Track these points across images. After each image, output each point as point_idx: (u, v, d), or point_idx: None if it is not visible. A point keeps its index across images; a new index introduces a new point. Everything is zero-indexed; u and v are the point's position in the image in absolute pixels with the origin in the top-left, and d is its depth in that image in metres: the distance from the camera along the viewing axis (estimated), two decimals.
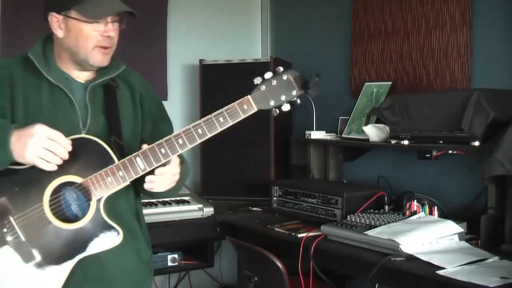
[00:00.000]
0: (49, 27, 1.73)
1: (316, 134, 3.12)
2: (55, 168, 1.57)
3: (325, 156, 3.18)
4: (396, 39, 2.93)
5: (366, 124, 2.73)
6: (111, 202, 1.68)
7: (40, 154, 1.54)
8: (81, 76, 1.76)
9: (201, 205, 2.99)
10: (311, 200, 2.76)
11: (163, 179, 1.69)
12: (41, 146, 1.53)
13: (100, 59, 1.71)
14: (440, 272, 1.91)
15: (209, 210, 3.00)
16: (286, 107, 1.67)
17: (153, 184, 1.68)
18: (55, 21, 1.70)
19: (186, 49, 3.66)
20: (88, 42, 1.68)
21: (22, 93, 1.68)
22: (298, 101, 1.68)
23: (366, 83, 3.01)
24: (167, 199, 2.97)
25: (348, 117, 2.98)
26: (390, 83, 2.88)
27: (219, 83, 3.38)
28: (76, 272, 1.64)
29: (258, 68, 3.34)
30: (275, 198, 2.99)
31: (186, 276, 3.51)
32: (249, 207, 3.21)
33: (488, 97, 2.23)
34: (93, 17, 1.65)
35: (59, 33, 1.70)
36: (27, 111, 1.67)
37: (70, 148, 1.58)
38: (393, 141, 2.56)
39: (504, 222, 2.17)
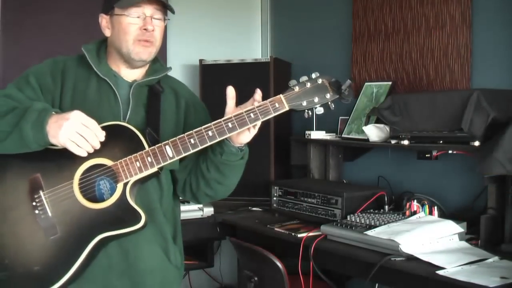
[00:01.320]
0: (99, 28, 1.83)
1: (316, 134, 3.12)
2: (84, 154, 1.62)
3: (325, 156, 3.18)
4: (396, 39, 2.93)
5: (366, 124, 2.72)
6: (142, 197, 1.74)
7: (72, 137, 1.59)
8: (129, 76, 1.83)
9: (201, 205, 2.99)
10: (311, 200, 2.76)
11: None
12: (75, 130, 1.59)
13: (141, 51, 1.76)
14: (440, 272, 1.91)
15: (209, 210, 3.00)
16: (319, 110, 1.69)
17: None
18: (104, 22, 1.81)
19: (186, 49, 3.67)
20: (128, 35, 1.75)
21: (72, 84, 1.78)
22: (332, 105, 1.69)
23: (366, 83, 3.01)
24: None
25: (348, 117, 2.98)
26: (390, 83, 2.88)
27: (219, 83, 3.35)
28: (100, 260, 1.70)
29: (258, 68, 3.34)
30: (275, 198, 2.99)
31: (186, 276, 3.51)
32: (249, 207, 3.21)
33: (488, 97, 2.23)
34: (126, 6, 1.73)
35: (107, 32, 1.81)
36: (74, 100, 1.76)
37: (102, 138, 1.63)
38: (393, 141, 2.56)
39: (504, 222, 2.17)
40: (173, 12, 1.81)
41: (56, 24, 3.18)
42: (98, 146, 1.63)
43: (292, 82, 1.68)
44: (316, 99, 1.67)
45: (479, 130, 2.22)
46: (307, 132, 3.16)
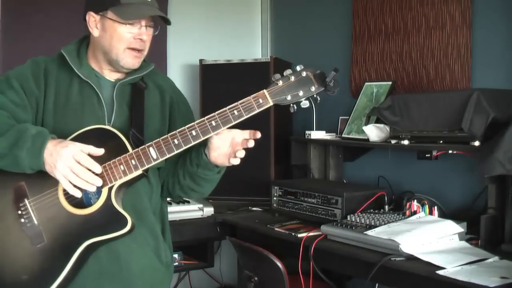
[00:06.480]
0: (85, 26, 1.79)
1: (316, 134, 3.12)
2: (79, 194, 1.60)
3: (325, 156, 3.18)
4: (396, 39, 2.93)
5: (366, 124, 2.72)
6: (133, 198, 1.73)
7: (68, 176, 1.57)
8: (112, 76, 1.81)
9: (201, 205, 2.99)
10: (311, 200, 2.76)
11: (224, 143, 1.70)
12: (69, 168, 1.57)
13: (131, 61, 1.75)
14: (440, 272, 1.91)
15: (209, 210, 3.00)
16: (305, 104, 1.65)
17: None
18: (92, 20, 1.76)
19: (186, 49, 3.67)
20: (121, 43, 1.72)
21: (54, 86, 1.75)
22: (319, 98, 1.66)
23: (366, 83, 3.01)
24: (168, 199, 2.97)
25: (348, 117, 2.98)
26: (390, 83, 2.88)
27: (219, 83, 3.38)
28: (91, 265, 1.68)
29: (258, 68, 3.34)
30: (275, 198, 2.99)
31: (186, 276, 3.51)
32: (249, 207, 3.20)
33: (488, 97, 2.23)
34: (128, 18, 1.69)
35: (95, 32, 1.76)
36: (56, 103, 1.74)
37: (99, 171, 1.60)
38: (393, 141, 2.56)
39: (504, 222, 2.17)
40: (169, 24, 1.77)
41: (56, 24, 3.18)
42: (98, 183, 1.60)
43: (276, 76, 1.65)
44: (301, 93, 1.64)
45: (479, 130, 2.22)
46: (307, 132, 3.16)
